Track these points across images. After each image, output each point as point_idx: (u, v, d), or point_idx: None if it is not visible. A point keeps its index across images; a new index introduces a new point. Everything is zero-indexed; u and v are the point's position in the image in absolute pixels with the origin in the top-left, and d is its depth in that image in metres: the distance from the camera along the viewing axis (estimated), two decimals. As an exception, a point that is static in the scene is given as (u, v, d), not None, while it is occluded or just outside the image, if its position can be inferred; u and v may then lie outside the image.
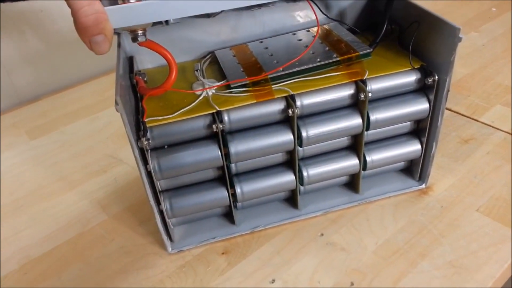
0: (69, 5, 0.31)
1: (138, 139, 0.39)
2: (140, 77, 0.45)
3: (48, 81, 0.80)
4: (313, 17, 0.49)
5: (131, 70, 0.46)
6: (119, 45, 0.44)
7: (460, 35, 0.38)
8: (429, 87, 0.43)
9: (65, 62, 0.80)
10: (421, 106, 0.44)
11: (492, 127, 0.58)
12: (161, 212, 0.43)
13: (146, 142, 0.39)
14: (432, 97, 0.44)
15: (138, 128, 0.40)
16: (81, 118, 0.71)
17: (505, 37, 0.79)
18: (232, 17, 0.49)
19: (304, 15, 0.50)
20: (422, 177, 0.50)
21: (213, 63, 0.49)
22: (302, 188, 0.49)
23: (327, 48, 0.45)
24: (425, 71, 0.43)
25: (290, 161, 0.46)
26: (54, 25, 0.77)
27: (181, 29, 0.48)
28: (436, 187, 0.49)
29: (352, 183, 0.50)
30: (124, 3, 0.34)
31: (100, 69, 0.83)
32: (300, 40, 0.48)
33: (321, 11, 0.49)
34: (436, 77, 0.42)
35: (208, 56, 0.50)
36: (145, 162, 0.40)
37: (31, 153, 0.64)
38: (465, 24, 0.84)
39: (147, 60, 0.49)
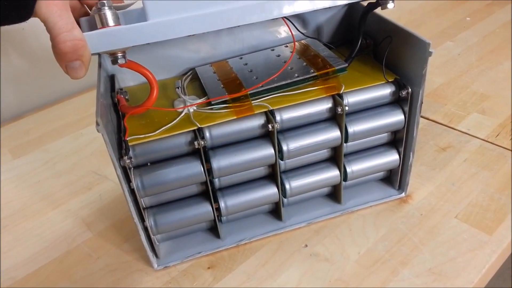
0: (48, 31, 0.31)
1: (120, 157, 0.39)
2: (122, 96, 0.45)
3: (30, 98, 0.80)
4: (292, 32, 0.51)
5: (112, 89, 0.46)
6: (100, 65, 0.44)
7: (430, 50, 0.40)
8: (404, 99, 0.45)
9: (47, 79, 0.80)
10: (396, 117, 0.46)
11: (469, 134, 0.59)
12: (145, 229, 0.44)
13: (128, 161, 0.39)
14: (406, 108, 0.45)
15: (121, 147, 0.40)
16: (65, 135, 0.71)
17: (479, 45, 0.81)
18: (212, 34, 0.50)
19: (282, 31, 0.51)
20: (401, 186, 0.51)
21: (194, 80, 0.50)
22: (285, 200, 0.50)
23: (304, 64, 0.47)
24: (399, 84, 0.45)
25: (273, 174, 0.47)
26: (36, 43, 0.77)
27: (162, 47, 0.49)
28: (415, 195, 0.51)
29: (334, 193, 0.51)
30: (103, 27, 0.34)
31: (83, 85, 0.83)
32: (278, 55, 0.49)
33: (297, 29, 0.50)
34: (410, 89, 0.43)
35: (189, 73, 0.51)
36: (128, 180, 0.41)
37: (14, 172, 0.64)
38: (440, 33, 0.87)
39: (128, 78, 0.50)
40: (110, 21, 0.34)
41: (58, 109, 0.78)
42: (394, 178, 0.51)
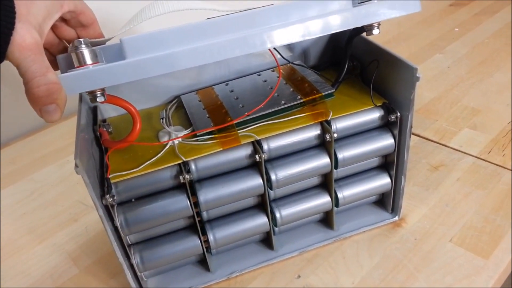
0: (21, 75, 0.30)
1: (102, 195, 0.38)
2: (104, 129, 0.44)
3: (14, 126, 0.78)
4: (277, 56, 0.50)
5: (94, 121, 0.45)
6: (80, 99, 0.43)
7: (418, 75, 0.39)
8: (393, 123, 0.44)
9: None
10: (386, 141, 0.45)
11: (461, 152, 0.58)
12: (131, 266, 0.42)
13: (110, 199, 0.38)
14: (396, 132, 0.44)
15: (103, 184, 0.39)
16: (51, 163, 0.69)
17: (468, 57, 0.81)
18: (196, 61, 0.49)
19: (267, 55, 0.50)
20: (394, 209, 0.50)
21: (179, 108, 0.49)
22: (276, 228, 0.48)
23: (291, 89, 0.46)
24: (387, 108, 0.44)
25: (262, 204, 0.46)
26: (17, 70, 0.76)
27: (145, 76, 0.48)
28: (409, 218, 0.50)
29: (326, 219, 0.50)
30: (80, 66, 0.33)
31: (68, 111, 0.81)
32: (265, 81, 0.48)
33: (281, 55, 0.49)
34: (398, 114, 0.43)
35: (174, 101, 0.50)
36: (111, 218, 0.39)
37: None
38: (429, 45, 0.86)
39: (111, 108, 0.48)
40: (88, 60, 0.33)
41: (43, 136, 0.77)
42: (386, 201, 0.50)
